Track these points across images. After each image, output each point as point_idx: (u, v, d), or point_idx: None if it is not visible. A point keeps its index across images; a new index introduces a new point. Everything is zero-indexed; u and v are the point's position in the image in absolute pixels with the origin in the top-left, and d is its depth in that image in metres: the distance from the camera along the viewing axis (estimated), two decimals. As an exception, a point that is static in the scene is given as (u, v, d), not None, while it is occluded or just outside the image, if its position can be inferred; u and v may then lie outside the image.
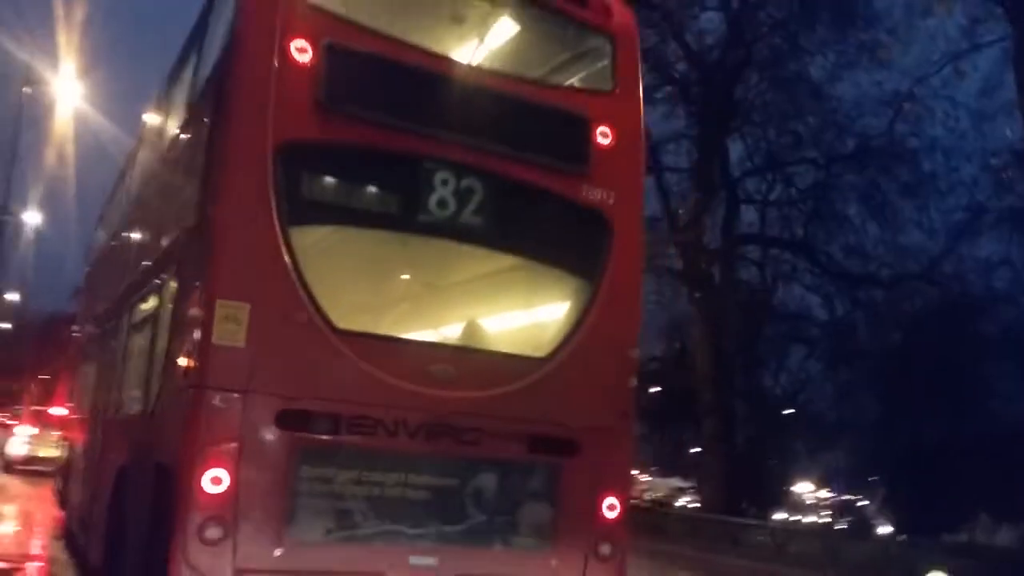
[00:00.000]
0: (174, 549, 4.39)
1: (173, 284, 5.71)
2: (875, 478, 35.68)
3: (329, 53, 4.97)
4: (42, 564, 9.31)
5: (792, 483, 37.05)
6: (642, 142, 6.25)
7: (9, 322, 43.10)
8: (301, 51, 4.93)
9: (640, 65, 6.30)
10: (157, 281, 6.36)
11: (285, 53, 4.90)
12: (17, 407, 32.21)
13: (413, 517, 4.98)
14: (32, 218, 31.50)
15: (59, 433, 18.03)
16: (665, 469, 42.46)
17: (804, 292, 27.82)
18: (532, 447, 5.33)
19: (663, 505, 33.10)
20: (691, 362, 27.86)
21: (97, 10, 23.43)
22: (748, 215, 27.11)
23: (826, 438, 34.52)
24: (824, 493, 42.80)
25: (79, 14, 21.10)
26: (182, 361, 5.00)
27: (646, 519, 25.85)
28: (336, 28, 5.15)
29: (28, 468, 20.77)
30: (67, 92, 21.18)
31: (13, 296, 40.73)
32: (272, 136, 4.85)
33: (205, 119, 5.59)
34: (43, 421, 23.11)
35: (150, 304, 6.66)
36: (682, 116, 26.14)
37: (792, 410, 34.58)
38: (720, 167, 24.88)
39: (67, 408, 21.19)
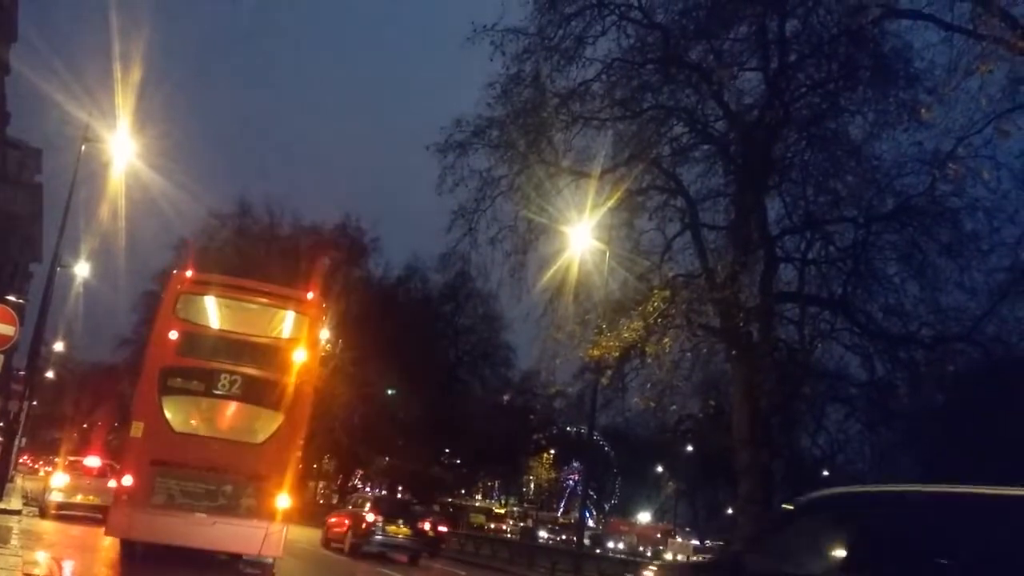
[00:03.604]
0: (114, 502, 13.77)
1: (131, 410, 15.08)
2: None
3: (182, 334, 13.83)
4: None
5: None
6: (318, 357, 14.21)
7: (53, 372, 43.66)
8: (172, 334, 13.80)
9: (322, 323, 16.59)
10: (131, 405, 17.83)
11: (167, 336, 13.82)
12: (54, 457, 32.53)
13: (198, 499, 13.04)
14: (81, 270, 32.19)
15: (95, 481, 19.19)
16: (700, 531, 41.48)
17: (843, 351, 27.23)
18: (248, 477, 13.39)
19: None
20: (727, 421, 27.48)
21: (151, 71, 24.24)
22: (787, 273, 26.84)
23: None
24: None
25: (135, 75, 21.90)
26: (126, 443, 14.93)
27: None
28: (187, 324, 14.06)
29: (62, 514, 21.24)
30: (122, 149, 21.93)
31: (59, 346, 41.30)
32: (160, 364, 13.80)
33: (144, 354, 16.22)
34: (77, 470, 23.51)
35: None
36: (720, 174, 26.27)
37: (830, 472, 33.79)
38: (758, 225, 24.71)
39: (101, 457, 21.83)
